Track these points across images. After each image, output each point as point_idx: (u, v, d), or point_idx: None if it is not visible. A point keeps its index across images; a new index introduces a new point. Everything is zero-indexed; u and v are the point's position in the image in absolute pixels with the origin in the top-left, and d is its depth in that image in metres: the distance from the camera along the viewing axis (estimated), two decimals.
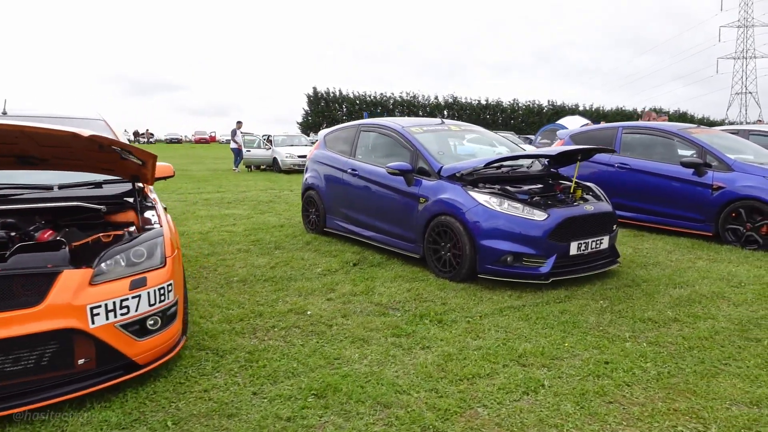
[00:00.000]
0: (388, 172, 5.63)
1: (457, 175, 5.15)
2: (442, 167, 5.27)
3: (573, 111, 64.06)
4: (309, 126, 53.58)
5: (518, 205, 4.78)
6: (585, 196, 5.35)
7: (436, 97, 63.86)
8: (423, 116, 60.88)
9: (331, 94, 58.83)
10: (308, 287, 4.77)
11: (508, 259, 4.70)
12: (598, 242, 4.93)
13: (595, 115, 63.29)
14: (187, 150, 43.39)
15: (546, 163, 5.91)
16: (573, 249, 4.75)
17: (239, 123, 18.84)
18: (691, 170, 6.84)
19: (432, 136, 5.95)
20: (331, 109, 58.88)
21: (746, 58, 72.22)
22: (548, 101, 66.17)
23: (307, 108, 58.71)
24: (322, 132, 7.49)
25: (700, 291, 4.72)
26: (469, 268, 4.85)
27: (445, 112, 62.34)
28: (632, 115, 64.43)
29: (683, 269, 5.45)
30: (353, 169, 6.32)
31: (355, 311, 4.17)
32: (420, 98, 62.71)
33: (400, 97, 61.59)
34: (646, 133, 7.69)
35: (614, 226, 5.15)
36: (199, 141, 58.30)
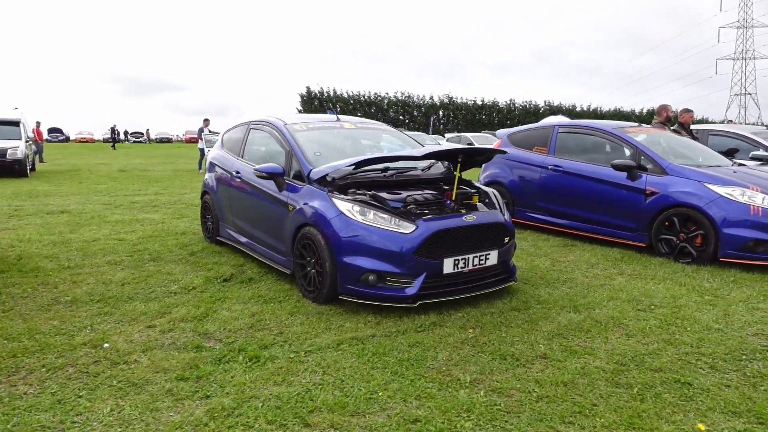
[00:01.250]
0: (257, 176, 4.95)
1: (328, 179, 4.46)
2: (311, 170, 4.57)
3: (570, 111, 63.15)
4: None
5: (386, 215, 4.08)
6: (480, 203, 4.65)
7: (431, 97, 63.01)
8: (418, 117, 60.19)
9: (325, 94, 58.12)
10: (140, 310, 4.08)
11: (371, 278, 4.00)
12: (483, 258, 4.22)
13: (591, 116, 62.41)
14: (171, 149, 42.73)
15: (447, 165, 5.20)
16: (448, 266, 4.05)
17: (206, 121, 18.16)
18: (625, 174, 6.14)
19: (318, 134, 5.26)
20: (324, 108, 58.22)
21: (745, 59, 71.17)
22: (545, 101, 65.31)
23: (300, 108, 58.03)
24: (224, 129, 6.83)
25: (597, 316, 4.01)
26: (330, 288, 4.15)
27: (441, 113, 61.59)
28: (630, 116, 63.49)
29: (594, 288, 4.74)
30: (237, 172, 5.63)
31: (164, 344, 3.48)
32: (415, 98, 61.90)
33: (395, 97, 60.81)
34: (582, 132, 6.98)
35: (506, 239, 4.43)
36: (189, 140, 57.76)
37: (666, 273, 5.22)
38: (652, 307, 4.25)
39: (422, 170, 5.03)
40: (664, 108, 8.09)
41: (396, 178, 4.74)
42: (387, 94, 61.31)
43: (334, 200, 4.21)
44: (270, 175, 4.74)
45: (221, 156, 6.22)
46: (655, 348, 3.46)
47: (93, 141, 59.23)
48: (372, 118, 45.58)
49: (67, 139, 60.50)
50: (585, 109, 66.12)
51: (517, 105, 63.19)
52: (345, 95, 58.71)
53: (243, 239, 5.57)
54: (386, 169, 4.79)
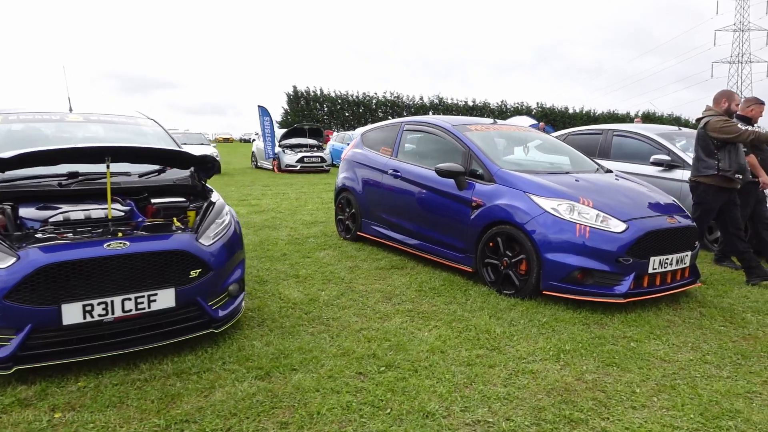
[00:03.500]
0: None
1: None
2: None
3: (563, 114, 61.72)
4: (288, 126, 51.84)
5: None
6: (180, 222, 3.48)
7: (421, 98, 61.81)
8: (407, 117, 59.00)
9: (312, 93, 56.97)
10: None
11: None
12: (144, 300, 3.03)
13: (585, 119, 60.92)
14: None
15: (193, 171, 4.01)
16: (68, 317, 2.85)
17: None
18: (453, 181, 4.95)
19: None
20: (311, 108, 57.07)
21: (741, 63, 69.36)
22: (537, 103, 63.91)
23: (286, 107, 56.92)
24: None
25: (282, 388, 2.84)
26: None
27: (431, 113, 60.35)
28: (625, 119, 61.97)
29: (348, 333, 3.56)
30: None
31: None
32: (404, 98, 60.71)
33: (383, 97, 59.60)
34: (424, 130, 5.78)
35: (196, 272, 3.24)
36: None
37: (464, 310, 4.04)
38: (383, 368, 3.07)
39: (141, 176, 3.85)
40: (726, 95, 5.15)
41: (81, 187, 3.54)
42: (375, 93, 59.96)
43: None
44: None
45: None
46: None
47: None
48: (359, 118, 44.41)
49: None
50: (578, 111, 64.67)
51: (508, 106, 61.81)
52: (332, 95, 57.53)
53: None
54: (75, 174, 3.61)
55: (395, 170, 5.69)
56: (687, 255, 4.30)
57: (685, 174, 6.58)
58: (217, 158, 16.19)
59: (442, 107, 60.70)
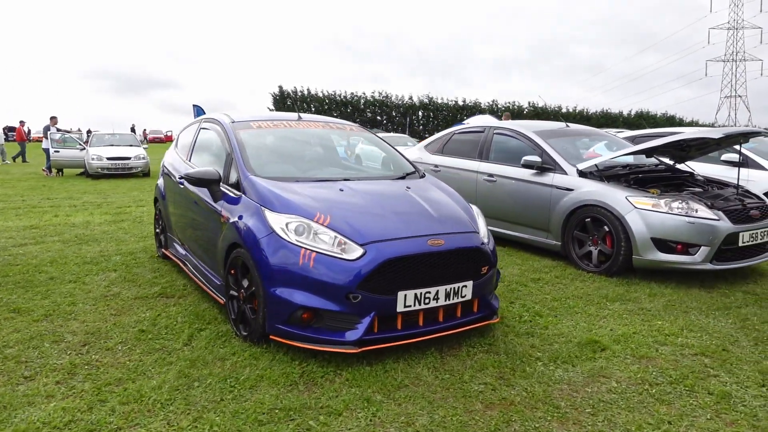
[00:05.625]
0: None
1: None
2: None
3: (555, 113, 60.52)
4: None
5: None
6: None
7: (410, 97, 60.88)
8: (397, 117, 58.02)
9: (299, 93, 56.09)
10: None
11: None
12: None
13: (577, 118, 59.71)
14: None
15: None
16: None
17: (53, 119, 16.19)
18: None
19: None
20: (297, 108, 56.30)
21: (736, 61, 67.77)
22: (528, 102, 62.80)
23: (272, 107, 56.13)
24: None
25: None
26: None
27: (420, 113, 59.41)
28: (618, 118, 60.73)
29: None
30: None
31: None
32: (393, 98, 59.77)
33: (372, 96, 58.64)
34: (210, 128, 4.82)
35: None
36: (153, 140, 55.73)
37: (150, 370, 3.09)
38: None
39: None
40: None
41: None
42: (364, 93, 59.05)
43: None
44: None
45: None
46: None
47: None
48: (348, 119, 43.87)
49: None
50: (572, 110, 63.57)
51: (499, 105, 60.73)
52: (320, 95, 56.61)
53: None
54: None
55: (183, 176, 4.75)
56: (464, 286, 3.33)
57: (556, 178, 5.64)
58: (144, 159, 15.59)
59: (432, 107, 59.77)
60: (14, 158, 21.35)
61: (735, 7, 67.81)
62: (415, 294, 3.14)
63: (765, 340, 3.63)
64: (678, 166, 6.18)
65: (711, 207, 4.81)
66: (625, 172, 5.63)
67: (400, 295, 3.10)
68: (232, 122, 4.37)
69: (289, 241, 3.17)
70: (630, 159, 6.31)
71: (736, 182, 5.47)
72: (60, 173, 15.96)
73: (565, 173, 5.58)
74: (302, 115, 4.75)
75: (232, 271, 3.59)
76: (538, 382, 2.99)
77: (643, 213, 4.86)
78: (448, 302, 3.28)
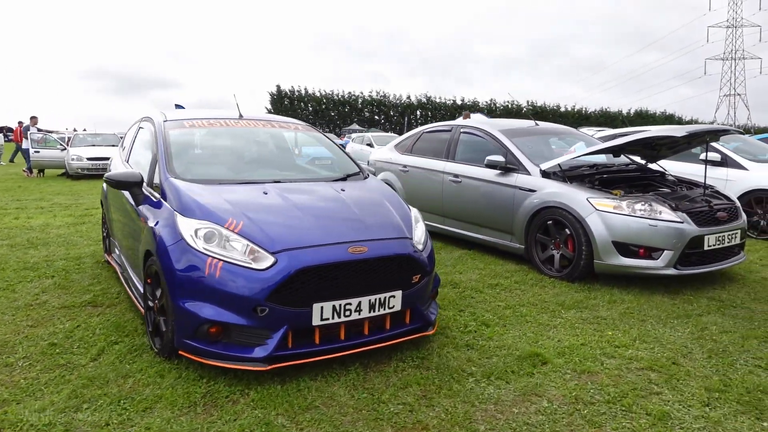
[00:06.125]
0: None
1: None
2: None
3: (554, 112, 60.19)
4: None
5: None
6: None
7: (408, 97, 60.62)
8: (395, 117, 57.72)
9: (296, 93, 55.87)
10: None
11: None
12: None
13: (576, 117, 59.38)
14: None
15: None
16: None
17: (33, 119, 15.99)
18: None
19: None
20: (295, 108, 56.01)
21: (735, 59, 67.27)
22: (527, 101, 62.54)
23: (269, 107, 55.87)
24: None
25: None
26: None
27: (418, 112, 59.16)
28: (617, 117, 60.37)
29: None
30: None
31: None
32: (391, 97, 59.48)
33: (369, 96, 58.35)
34: (145, 127, 4.59)
35: None
36: None
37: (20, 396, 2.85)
38: None
39: None
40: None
41: None
42: (362, 93, 58.77)
43: None
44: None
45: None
46: None
47: None
48: (346, 118, 43.40)
49: None
50: (570, 108, 63.23)
51: (498, 105, 60.41)
52: (317, 94, 56.39)
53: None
54: None
55: (105, 178, 4.50)
56: (392, 296, 3.09)
57: (520, 178, 5.40)
58: None
59: (430, 106, 59.47)
60: (11, 159, 21.23)
61: (734, 5, 67.36)
62: (334, 306, 2.90)
63: (719, 352, 3.38)
64: (650, 165, 5.93)
65: (675, 209, 4.56)
66: (590, 172, 5.38)
67: (316, 307, 2.86)
68: (165, 121, 4.13)
69: (196, 249, 2.93)
70: (600, 158, 6.07)
71: (704, 182, 5.23)
72: (41, 174, 15.74)
73: (529, 173, 5.34)
74: (244, 113, 4.51)
75: (149, 280, 3.35)
76: (462, 401, 2.75)
77: (604, 215, 4.61)
78: (373, 314, 3.04)
